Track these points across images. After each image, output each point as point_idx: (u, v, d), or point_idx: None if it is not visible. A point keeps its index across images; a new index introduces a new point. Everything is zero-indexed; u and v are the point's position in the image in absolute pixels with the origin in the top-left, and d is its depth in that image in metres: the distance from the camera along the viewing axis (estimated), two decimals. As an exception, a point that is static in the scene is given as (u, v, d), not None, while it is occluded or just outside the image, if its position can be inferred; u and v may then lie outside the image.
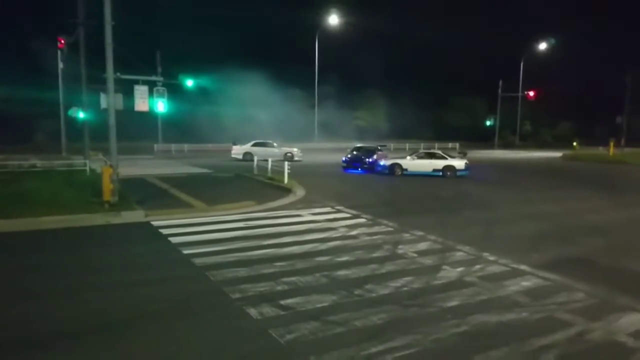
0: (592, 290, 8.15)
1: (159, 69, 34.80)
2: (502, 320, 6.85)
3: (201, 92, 39.10)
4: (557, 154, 48.72)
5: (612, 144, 43.93)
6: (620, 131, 60.01)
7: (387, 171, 25.31)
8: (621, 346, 6.18)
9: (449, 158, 25.35)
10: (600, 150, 50.92)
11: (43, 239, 11.16)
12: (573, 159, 43.47)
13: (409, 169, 25.05)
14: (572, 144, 55.20)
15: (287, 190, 18.46)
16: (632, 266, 9.80)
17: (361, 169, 26.95)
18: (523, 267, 9.41)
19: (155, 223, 12.66)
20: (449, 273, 8.95)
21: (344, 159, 28.14)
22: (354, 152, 28.52)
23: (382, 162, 25.87)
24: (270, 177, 21.29)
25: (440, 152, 26.52)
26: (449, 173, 24.60)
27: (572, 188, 22.67)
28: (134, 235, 11.63)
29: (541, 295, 7.87)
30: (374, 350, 5.83)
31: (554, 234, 12.67)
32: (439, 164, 24.91)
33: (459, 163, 25.02)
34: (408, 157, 25.83)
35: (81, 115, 28.06)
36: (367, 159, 27.12)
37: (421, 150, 27.01)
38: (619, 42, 76.88)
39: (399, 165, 25.22)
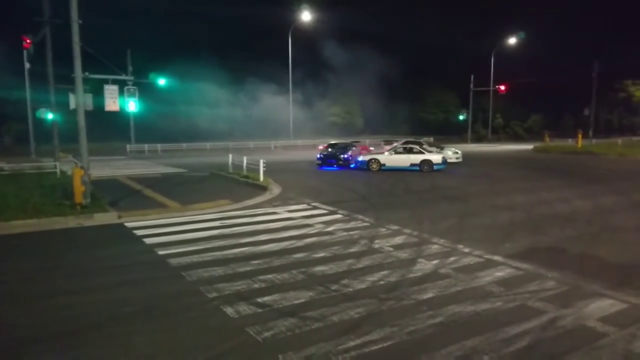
0: (562, 278, 8.37)
1: (130, 68, 34.12)
2: (476, 310, 6.97)
3: (174, 91, 38.62)
4: (528, 146, 49.73)
5: (580, 135, 45.01)
6: (588, 123, 61.69)
7: (365, 166, 25.42)
8: (591, 331, 6.37)
9: (426, 152, 25.59)
10: (570, 142, 52.17)
11: (13, 244, 10.87)
12: (543, 150, 44.42)
13: (387, 164, 25.20)
14: (542, 136, 56.41)
15: (262, 188, 18.39)
16: (601, 253, 10.09)
17: (337, 166, 26.98)
18: (496, 257, 9.60)
19: (129, 224, 12.47)
20: (425, 266, 9.07)
21: (319, 156, 28.10)
22: (329, 149, 28.53)
23: (360, 158, 25.95)
24: (246, 175, 21.17)
25: (417, 146, 26.69)
26: (426, 167, 24.83)
27: (542, 179, 23.17)
28: (107, 237, 11.43)
29: (514, 285, 8.05)
30: (351, 344, 5.87)
31: (526, 224, 12.95)
32: (417, 158, 25.11)
33: (436, 157, 25.26)
34: (386, 153, 25.97)
35: (50, 116, 27.42)
36: (342, 156, 27.16)
37: (399, 145, 27.05)
38: (586, 35, 78.94)
39: (377, 161, 25.35)
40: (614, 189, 19.60)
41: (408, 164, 25.05)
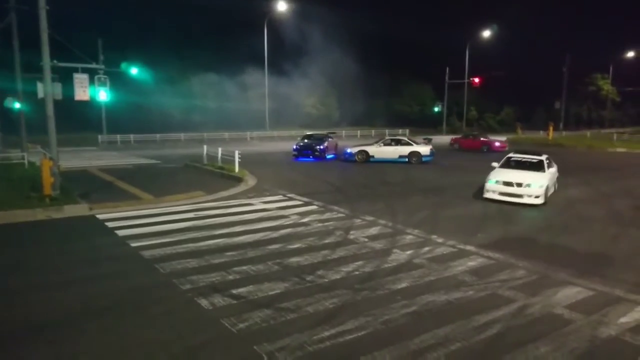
0: (532, 267, 8.57)
1: (101, 57, 33.26)
2: (449, 299, 7.09)
3: (147, 82, 37.80)
4: (501, 138, 50.53)
5: (551, 128, 45.97)
6: (559, 116, 63.04)
7: (353, 158, 25.19)
8: (558, 318, 6.55)
9: (414, 144, 25.74)
10: (541, 134, 53.24)
11: (-22, 237, 10.54)
12: (515, 142, 45.20)
13: (376, 156, 25.12)
14: (515, 129, 57.40)
15: (237, 180, 18.25)
16: (569, 243, 10.37)
17: (312, 157, 26.91)
18: (469, 247, 9.77)
19: (100, 216, 12.22)
20: (399, 256, 9.16)
21: (294, 147, 27.91)
22: (305, 140, 28.40)
23: (348, 150, 25.58)
24: (221, 167, 20.97)
25: (405, 138, 26.72)
26: (414, 159, 24.94)
27: (464, 158, 23.60)
28: (78, 230, 11.19)
29: (485, 274, 8.21)
30: (326, 334, 5.90)
31: (498, 214, 13.20)
32: (405, 150, 25.20)
33: (424, 149, 25.43)
34: (375, 145, 25.90)
35: (17, 105, 26.59)
36: (318, 147, 27.09)
37: (387, 137, 26.95)
38: (557, 30, 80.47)
39: (366, 152, 25.22)
40: (582, 180, 20.11)
41: (397, 156, 25.10)
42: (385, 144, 25.89)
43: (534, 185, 13.93)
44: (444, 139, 41.61)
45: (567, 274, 8.23)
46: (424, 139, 29.68)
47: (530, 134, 56.00)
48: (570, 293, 7.42)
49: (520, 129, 56.66)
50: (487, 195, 14.58)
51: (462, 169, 24.14)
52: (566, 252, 9.74)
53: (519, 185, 14.06)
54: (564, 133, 55.36)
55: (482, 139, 36.09)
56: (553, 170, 15.88)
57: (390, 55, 65.66)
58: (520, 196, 13.94)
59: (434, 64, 60.90)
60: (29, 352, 5.50)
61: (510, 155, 16.26)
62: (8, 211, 12.03)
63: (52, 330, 6.05)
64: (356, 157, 25.20)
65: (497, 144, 34.54)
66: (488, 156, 26.88)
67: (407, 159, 24.99)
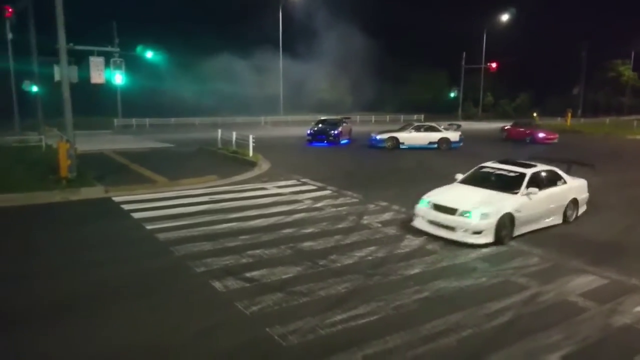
0: (546, 255, 8.52)
1: (116, 40, 33.37)
2: (461, 286, 7.09)
3: (162, 65, 37.90)
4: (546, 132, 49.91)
5: (569, 114, 45.26)
6: (577, 102, 61.92)
7: (382, 145, 24.79)
8: (572, 306, 6.52)
9: (443, 130, 25.55)
10: (559, 120, 52.43)
11: (-3, 218, 10.76)
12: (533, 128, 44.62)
13: (406, 143, 24.83)
14: (531, 115, 56.58)
15: (251, 164, 18.31)
16: (583, 231, 10.26)
17: (326, 142, 26.77)
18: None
19: (116, 199, 12.38)
20: (412, 242, 9.16)
21: (308, 132, 27.76)
22: (319, 125, 28.26)
23: (377, 136, 25.18)
24: (235, 151, 21.04)
25: (435, 124, 26.56)
26: (444, 145, 24.82)
27: (531, 157, 23.34)
28: (94, 212, 11.35)
29: (498, 261, 8.18)
30: (338, 318, 5.95)
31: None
32: (435, 136, 25.04)
33: (453, 135, 25.35)
34: (404, 131, 25.55)
35: (34, 88, 26.89)
36: (332, 132, 26.93)
37: (417, 124, 26.55)
38: (576, 15, 78.59)
39: (396, 139, 24.90)
40: (598, 167, 19.79)
41: (426, 142, 24.91)
42: (416, 130, 25.58)
43: (475, 214, 8.75)
44: (473, 126, 40.87)
45: (582, 262, 8.16)
46: (449, 124, 29.00)
47: (547, 120, 55.18)
48: (584, 281, 7.37)
49: (536, 116, 55.84)
50: (416, 222, 9.83)
51: (478, 156, 23.89)
52: (581, 240, 9.65)
53: (452, 211, 9.07)
54: (581, 120, 54.41)
55: (528, 129, 31.70)
56: (562, 188, 10.59)
57: (404, 40, 64.89)
58: (451, 229, 9.05)
59: (450, 49, 59.96)
60: (48, 331, 5.64)
61: (484, 164, 11.13)
62: (26, 193, 12.25)
63: (70, 310, 6.18)
64: (386, 144, 24.73)
65: (540, 135, 30.20)
66: (521, 149, 26.45)
67: (436, 145, 24.80)
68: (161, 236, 9.20)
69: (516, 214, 9.18)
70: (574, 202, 10.81)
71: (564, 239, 9.70)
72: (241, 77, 53.08)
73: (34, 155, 19.34)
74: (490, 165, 10.97)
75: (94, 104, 39.80)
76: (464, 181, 10.63)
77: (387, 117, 55.37)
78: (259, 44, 52.15)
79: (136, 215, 10.79)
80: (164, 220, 10.31)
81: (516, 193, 9.52)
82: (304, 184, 14.99)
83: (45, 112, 26.89)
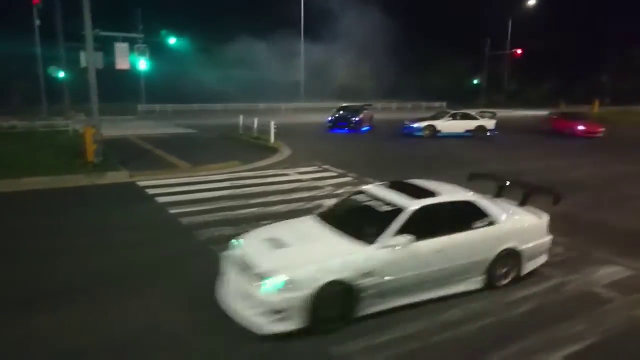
0: (571, 244, 8.38)
1: (140, 26, 33.68)
2: (483, 274, 7.02)
3: (184, 51, 38.17)
4: (544, 112, 48.93)
5: (596, 102, 44.14)
6: (606, 90, 60.27)
7: (419, 133, 24.42)
8: (596, 296, 6.42)
9: (480, 118, 25.37)
10: (585, 109, 51.18)
11: (25, 201, 11.06)
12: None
13: (443, 131, 24.60)
14: (557, 103, 55.34)
15: (273, 150, 18.40)
16: (610, 221, 10.06)
17: (347, 129, 26.64)
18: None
19: (140, 183, 12.60)
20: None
21: (329, 118, 27.51)
22: (340, 112, 28.08)
23: (415, 124, 24.82)
24: (256, 137, 21.16)
25: (471, 112, 26.32)
26: (480, 133, 24.70)
27: (556, 146, 22.92)
28: (120, 196, 11.58)
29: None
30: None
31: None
32: (471, 124, 24.90)
33: (489, 123, 25.20)
34: (441, 119, 25.19)
35: (61, 74, 27.39)
36: (353, 119, 26.76)
37: (452, 111, 26.11)
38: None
39: (434, 127, 24.63)
40: (623, 157, 19.35)
41: (463, 130, 24.74)
42: (452, 118, 25.25)
43: (272, 281, 5.18)
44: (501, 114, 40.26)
45: (607, 253, 8.02)
46: (480, 112, 28.34)
47: (574, 108, 53.92)
48: (610, 272, 7.24)
49: (563, 104, 54.59)
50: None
51: (502, 144, 23.57)
52: (607, 230, 9.46)
53: (249, 272, 5.51)
54: (610, 108, 52.98)
55: (575, 120, 27.44)
56: (482, 233, 6.45)
57: (426, 25, 63.82)
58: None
59: (474, 34, 58.84)
60: (74, 309, 5.80)
61: (363, 188, 7.42)
62: (54, 177, 12.54)
63: (95, 289, 6.35)
64: (423, 132, 24.36)
65: (579, 127, 26.25)
66: (551, 142, 25.87)
67: (472, 134, 24.62)
68: (184, 220, 9.34)
69: (362, 281, 5.40)
70: (512, 256, 6.60)
71: (590, 228, 9.53)
72: (263, 63, 53.12)
73: (61, 140, 19.76)
74: (371, 190, 7.07)
75: (119, 90, 40.33)
76: (323, 215, 6.85)
77: (409, 104, 54.86)
78: (281, 30, 51.97)
79: (160, 199, 10.96)
80: (187, 204, 10.47)
81: (371, 243, 5.66)
82: (325, 170, 15.00)
83: (72, 97, 27.39)
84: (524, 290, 6.49)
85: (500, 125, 26.29)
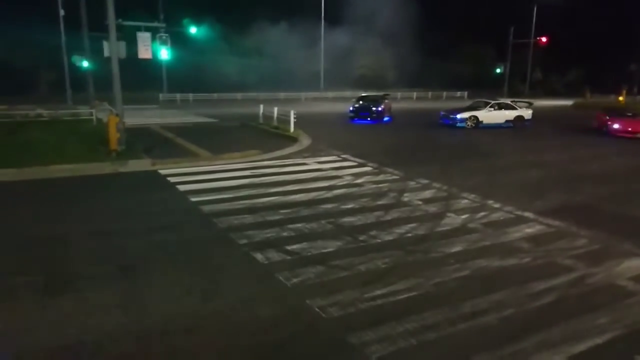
0: (594, 237, 8.24)
1: (162, 16, 33.93)
2: (503, 265, 6.98)
3: (206, 40, 38.32)
4: (568, 102, 47.96)
5: (624, 92, 43.01)
6: (635, 79, 58.56)
7: (463, 124, 24.15)
8: (621, 289, 6.31)
9: (518, 108, 25.20)
10: (612, 98, 49.94)
11: (51, 188, 11.32)
12: (583, 107, 42.82)
13: (485, 121, 24.41)
14: (582, 92, 54.12)
15: (292, 139, 18.43)
16: (635, 213, 9.85)
17: (370, 119, 26.20)
18: (527, 214, 9.49)
19: (162, 171, 12.77)
20: (453, 220, 9.05)
21: (351, 108, 27.17)
22: (361, 102, 27.68)
23: (458, 116, 24.48)
24: (276, 126, 21.21)
25: (510, 102, 26.09)
26: (519, 123, 24.68)
27: (579, 135, 22.47)
28: (142, 184, 11.77)
29: (544, 242, 7.98)
30: (377, 292, 5.99)
31: (560, 181, 12.68)
32: (511, 114, 24.82)
33: (527, 113, 25.15)
34: (483, 109, 24.88)
35: (85, 64, 27.80)
36: (375, 109, 26.35)
37: (492, 102, 25.83)
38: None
39: (476, 118, 24.39)
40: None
41: (503, 121, 24.68)
42: (494, 108, 24.97)
43: None
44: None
45: (633, 245, 7.85)
46: (513, 101, 27.71)
47: (600, 98, 52.68)
48: (635, 265, 7.10)
49: (588, 94, 53.33)
50: None
51: (526, 134, 23.17)
52: (632, 222, 9.27)
53: None
54: (638, 97, 51.57)
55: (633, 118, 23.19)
56: None
57: (449, 13, 62.80)
58: None
59: (497, 22, 57.67)
60: (99, 294, 5.93)
61: None
62: (78, 164, 12.80)
63: (120, 274, 6.48)
64: (466, 123, 24.13)
65: (615, 125, 22.30)
66: (588, 140, 25.30)
67: (512, 124, 24.53)
68: (205, 208, 9.45)
69: None
70: None
71: (615, 220, 9.34)
72: (283, 52, 53.04)
73: (85, 128, 20.11)
74: None
75: (141, 79, 40.86)
76: None
77: (429, 93, 54.26)
78: (301, 18, 51.74)
79: (181, 187, 11.10)
80: (207, 192, 10.58)
81: None
82: (345, 159, 14.98)
83: (96, 86, 27.78)
84: (546, 282, 6.41)
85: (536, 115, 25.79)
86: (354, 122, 26.20)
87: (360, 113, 26.51)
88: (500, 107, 25.15)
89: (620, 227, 8.84)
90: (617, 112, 24.25)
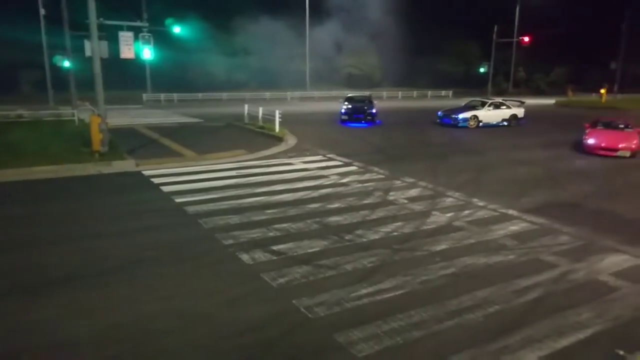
0: (577, 233, 8.35)
1: (145, 15, 33.56)
2: (489, 263, 7.03)
3: (190, 40, 38.01)
4: (550, 100, 48.54)
5: (604, 90, 43.65)
6: (615, 77, 59.50)
7: (464, 124, 23.99)
8: (603, 285, 6.40)
9: (512, 107, 25.45)
10: (593, 96, 50.68)
11: (34, 189, 11.13)
12: (566, 105, 43.39)
13: (484, 121, 24.46)
14: (565, 91, 54.83)
15: (278, 139, 18.38)
16: (617, 209, 10.00)
17: (364, 122, 24.43)
18: (511, 211, 9.58)
19: (146, 172, 12.63)
20: (439, 219, 9.10)
21: (343, 110, 24.95)
22: (352, 103, 25.74)
23: (460, 115, 24.31)
24: (262, 126, 21.13)
25: (502, 101, 26.28)
26: (514, 122, 24.94)
27: (563, 134, 22.74)
28: (126, 185, 11.62)
29: (528, 239, 8.06)
30: (363, 291, 5.99)
31: (544, 178, 12.82)
32: (507, 113, 25.05)
33: (520, 111, 25.42)
34: (482, 109, 24.89)
35: (66, 64, 27.38)
36: (370, 111, 24.64)
37: (491, 101, 25.95)
38: (617, -16, 74.81)
39: (477, 117, 24.35)
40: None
41: (500, 120, 24.87)
42: (492, 108, 25.09)
43: None
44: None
45: (615, 241, 7.97)
46: (504, 100, 27.72)
47: (582, 96, 53.43)
48: (617, 260, 7.21)
49: (571, 92, 54.03)
50: None
51: (504, 133, 23.40)
52: (614, 219, 9.41)
53: None
54: (618, 96, 52.39)
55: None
56: None
57: (434, 11, 63.05)
58: None
59: (482, 21, 58.10)
60: (84, 296, 5.85)
61: None
62: (61, 165, 12.61)
63: (104, 276, 6.40)
64: (469, 123, 24.08)
65: (590, 140, 16.74)
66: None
67: (507, 123, 24.78)
68: (190, 209, 9.37)
69: None
70: None
71: (597, 216, 9.47)
72: (268, 51, 52.82)
73: (67, 129, 19.82)
74: None
75: (124, 79, 40.36)
76: None
77: (415, 92, 54.52)
78: (287, 17, 51.58)
79: (166, 188, 10.99)
80: (192, 193, 10.49)
81: None
82: (330, 159, 14.98)
83: (78, 86, 27.40)
84: (530, 279, 6.48)
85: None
86: (347, 126, 24.26)
87: (354, 115, 24.79)
88: (497, 106, 25.35)
89: (603, 224, 8.98)
90: (605, 122, 18.57)
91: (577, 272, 6.77)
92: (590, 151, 16.51)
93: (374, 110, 24.98)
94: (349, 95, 28.57)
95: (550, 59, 66.71)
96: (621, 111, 37.00)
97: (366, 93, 30.88)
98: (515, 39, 55.60)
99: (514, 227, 8.62)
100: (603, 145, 16.33)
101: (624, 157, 15.82)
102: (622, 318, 5.53)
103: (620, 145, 16.10)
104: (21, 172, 12.00)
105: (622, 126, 17.89)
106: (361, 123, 24.58)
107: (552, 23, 56.76)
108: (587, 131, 17.68)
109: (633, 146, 16.08)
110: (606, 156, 16.05)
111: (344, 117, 24.93)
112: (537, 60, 65.52)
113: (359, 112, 24.73)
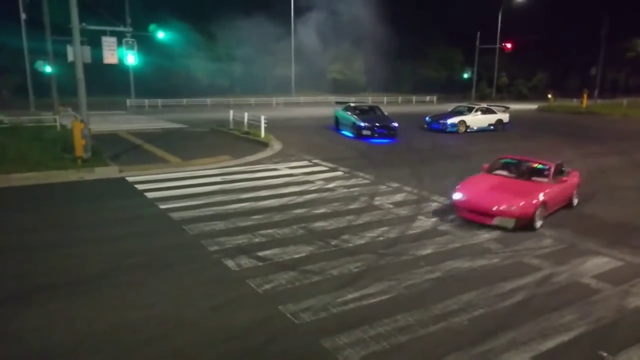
0: (560, 236, 8.46)
1: (128, 20, 33.28)
2: (473, 266, 7.09)
3: (174, 45, 37.81)
4: (533, 106, 49.20)
5: (585, 95, 44.39)
6: (594, 83, 60.60)
7: (454, 129, 24.14)
8: (585, 287, 6.49)
9: (498, 112, 25.78)
10: (574, 102, 51.49)
11: (15, 196, 10.92)
12: (547, 110, 44.02)
13: (472, 126, 24.73)
14: (547, 96, 55.63)
15: (263, 145, 18.33)
16: (598, 213, 10.16)
17: (388, 137, 21.29)
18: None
19: (130, 179, 12.49)
20: (424, 223, 9.15)
21: (362, 124, 21.44)
22: (364, 114, 22.64)
23: (449, 121, 24.46)
24: (247, 132, 21.05)
25: (488, 106, 26.59)
26: (500, 126, 25.32)
27: (544, 139, 23.05)
28: (109, 191, 11.47)
29: (511, 242, 8.15)
30: (349, 296, 5.99)
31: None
32: (493, 118, 25.39)
33: (505, 116, 25.79)
34: (470, 114, 25.14)
35: (48, 69, 27.02)
36: (392, 125, 21.69)
37: (477, 107, 26.13)
38: (596, -8, 76.33)
39: (465, 123, 24.58)
40: (615, 149, 19.51)
41: (486, 124, 25.15)
42: (479, 113, 25.36)
43: None
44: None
45: (596, 244, 8.10)
46: (489, 105, 28.01)
47: (563, 101, 54.28)
48: (599, 263, 7.32)
49: (552, 97, 54.85)
50: None
51: (487, 137, 23.66)
52: (596, 222, 9.56)
53: None
54: (598, 101, 53.35)
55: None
56: None
57: (418, 17, 63.61)
58: None
59: (465, 27, 58.78)
60: (66, 304, 5.75)
61: None
62: (43, 172, 12.41)
63: (87, 284, 6.30)
64: (458, 128, 24.25)
65: (457, 195, 9.60)
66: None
67: (493, 127, 25.11)
68: (175, 215, 9.29)
69: None
70: None
71: (579, 220, 9.61)
72: (253, 56, 52.74)
73: (49, 135, 19.48)
74: None
75: (108, 85, 39.96)
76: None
77: (399, 98, 54.86)
78: (272, 23, 51.59)
79: (150, 194, 10.88)
80: (177, 199, 10.40)
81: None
82: (316, 164, 14.98)
83: (60, 91, 27.03)
84: (514, 282, 6.54)
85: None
86: (369, 142, 20.45)
87: (376, 130, 21.29)
88: (484, 111, 25.71)
89: (584, 227, 9.11)
90: (514, 163, 11.40)
91: (560, 274, 6.86)
92: (458, 213, 9.60)
93: (395, 124, 21.83)
94: (351, 104, 24.89)
95: (531, 64, 67.72)
96: (601, 116, 37.70)
97: (367, 100, 30.00)
98: (498, 45, 56.36)
99: (498, 231, 8.70)
100: (472, 206, 9.21)
101: (505, 229, 8.76)
102: (604, 319, 5.62)
103: (495, 208, 8.83)
104: (0, 179, 11.75)
105: (535, 170, 10.51)
106: (385, 139, 21.07)
107: (534, 29, 57.61)
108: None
109: (518, 210, 8.70)
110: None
111: (365, 132, 21.18)
112: (519, 65, 66.49)
113: (382, 128, 21.45)
